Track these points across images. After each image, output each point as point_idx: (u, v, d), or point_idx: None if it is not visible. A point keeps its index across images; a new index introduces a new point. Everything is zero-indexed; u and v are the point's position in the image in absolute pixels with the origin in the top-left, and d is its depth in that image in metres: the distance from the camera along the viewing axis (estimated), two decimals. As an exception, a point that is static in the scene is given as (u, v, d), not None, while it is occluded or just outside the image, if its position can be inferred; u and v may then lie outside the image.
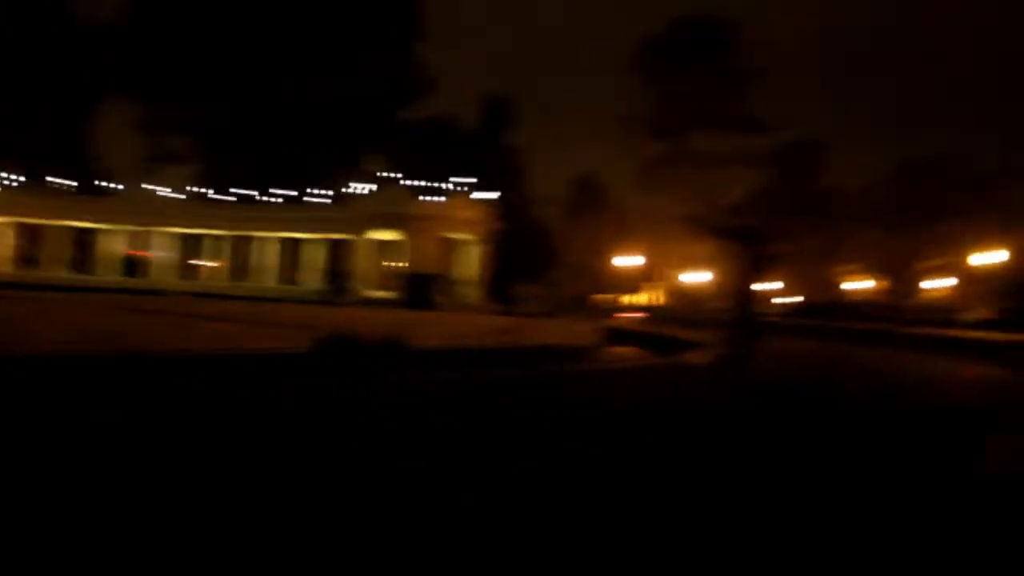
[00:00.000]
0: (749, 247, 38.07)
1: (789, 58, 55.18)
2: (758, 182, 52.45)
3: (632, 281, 59.64)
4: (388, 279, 45.94)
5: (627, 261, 56.75)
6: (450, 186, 51.18)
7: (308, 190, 52.49)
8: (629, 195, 57.26)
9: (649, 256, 57.84)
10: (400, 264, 46.41)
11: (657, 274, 60.24)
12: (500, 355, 21.28)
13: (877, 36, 62.64)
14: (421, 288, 41.37)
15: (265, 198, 52.72)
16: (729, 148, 50.63)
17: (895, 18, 62.54)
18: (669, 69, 53.51)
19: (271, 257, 50.18)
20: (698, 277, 44.75)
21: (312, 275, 48.85)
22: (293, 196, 52.51)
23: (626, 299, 59.37)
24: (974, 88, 57.88)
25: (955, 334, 32.87)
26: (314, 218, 49.42)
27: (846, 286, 60.07)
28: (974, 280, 49.83)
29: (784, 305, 53.63)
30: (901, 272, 56.89)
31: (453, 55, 56.43)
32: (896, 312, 44.97)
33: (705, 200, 46.56)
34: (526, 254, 49.78)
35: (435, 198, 49.46)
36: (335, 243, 48.81)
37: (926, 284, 56.55)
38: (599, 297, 55.51)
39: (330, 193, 52.21)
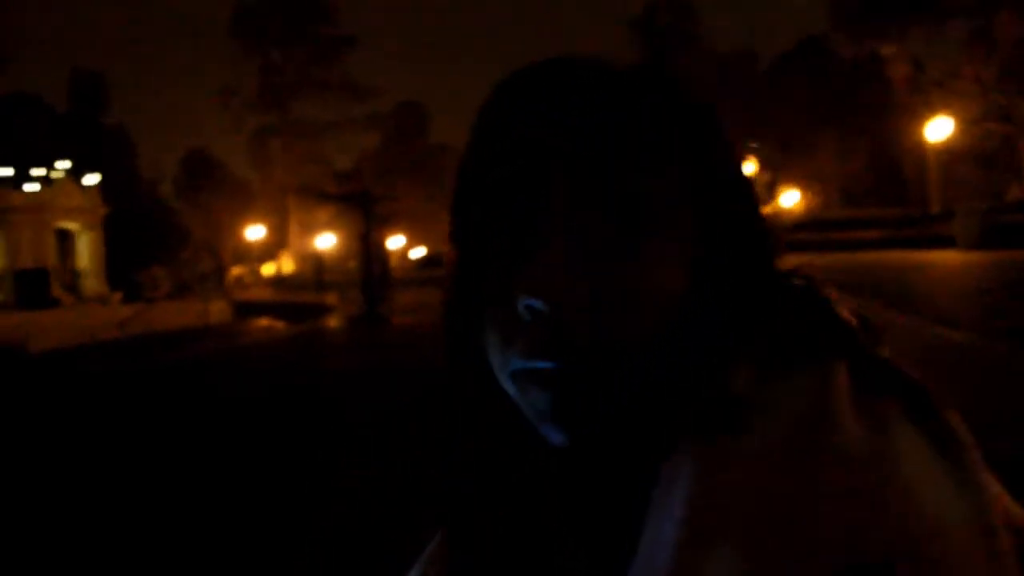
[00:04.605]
0: (364, 209, 40.54)
1: (379, 25, 57.71)
2: (367, 146, 54.88)
3: (260, 252, 59.90)
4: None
5: (253, 233, 56.91)
6: (51, 173, 47.90)
7: None
8: (243, 167, 57.22)
9: (273, 226, 58.40)
10: (2, 262, 42.96)
11: (284, 242, 60.98)
12: (128, 346, 21.64)
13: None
14: (32, 285, 38.93)
15: None
16: (334, 115, 52.36)
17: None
18: (265, 39, 53.79)
19: None
20: (324, 242, 46.31)
21: None
22: None
23: (256, 270, 59.55)
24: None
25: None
26: None
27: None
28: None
29: (410, 259, 56.95)
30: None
31: (30, 27, 52.25)
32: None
33: (316, 168, 47.91)
34: (145, 236, 48.25)
35: (34, 187, 46.08)
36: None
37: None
38: (230, 271, 55.30)
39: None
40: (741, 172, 0.64)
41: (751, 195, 0.64)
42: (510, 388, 0.60)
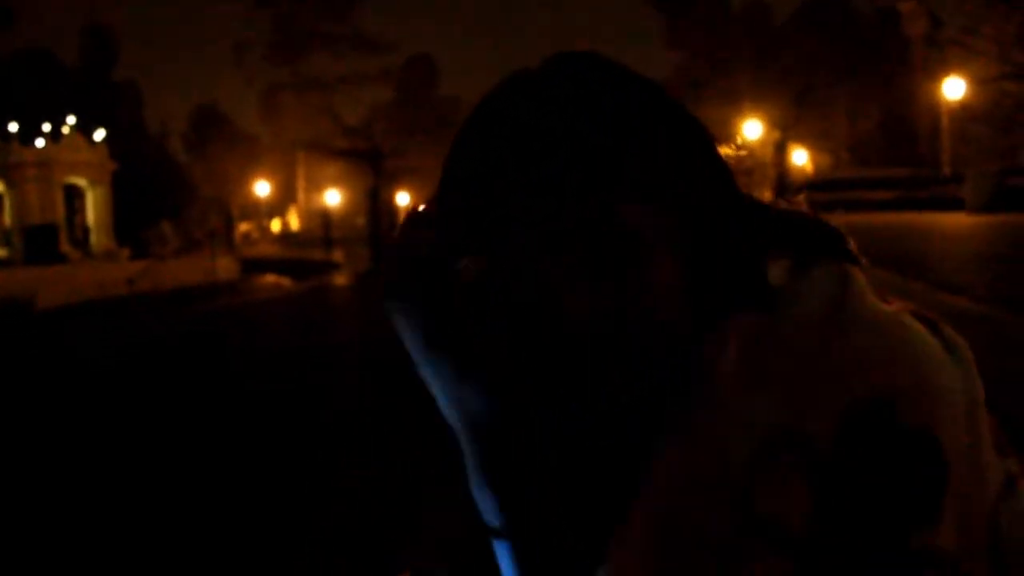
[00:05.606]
0: (373, 165, 40.07)
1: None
2: (378, 101, 54.45)
3: (268, 208, 59.84)
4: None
5: (260, 189, 56.82)
6: (60, 128, 47.69)
7: None
8: (252, 122, 56.94)
9: (281, 182, 58.26)
10: (10, 218, 42.96)
11: (292, 198, 60.86)
12: (136, 304, 21.67)
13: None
14: (42, 241, 38.94)
15: None
16: (345, 69, 51.86)
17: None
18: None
19: None
20: (332, 198, 46.21)
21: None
22: None
23: (264, 226, 59.53)
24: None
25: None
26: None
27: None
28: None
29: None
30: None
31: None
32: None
33: (326, 123, 47.61)
34: (154, 193, 48.15)
35: (41, 142, 45.92)
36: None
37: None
38: (238, 227, 55.26)
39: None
40: (705, 146, 0.66)
41: (714, 159, 0.66)
42: None
